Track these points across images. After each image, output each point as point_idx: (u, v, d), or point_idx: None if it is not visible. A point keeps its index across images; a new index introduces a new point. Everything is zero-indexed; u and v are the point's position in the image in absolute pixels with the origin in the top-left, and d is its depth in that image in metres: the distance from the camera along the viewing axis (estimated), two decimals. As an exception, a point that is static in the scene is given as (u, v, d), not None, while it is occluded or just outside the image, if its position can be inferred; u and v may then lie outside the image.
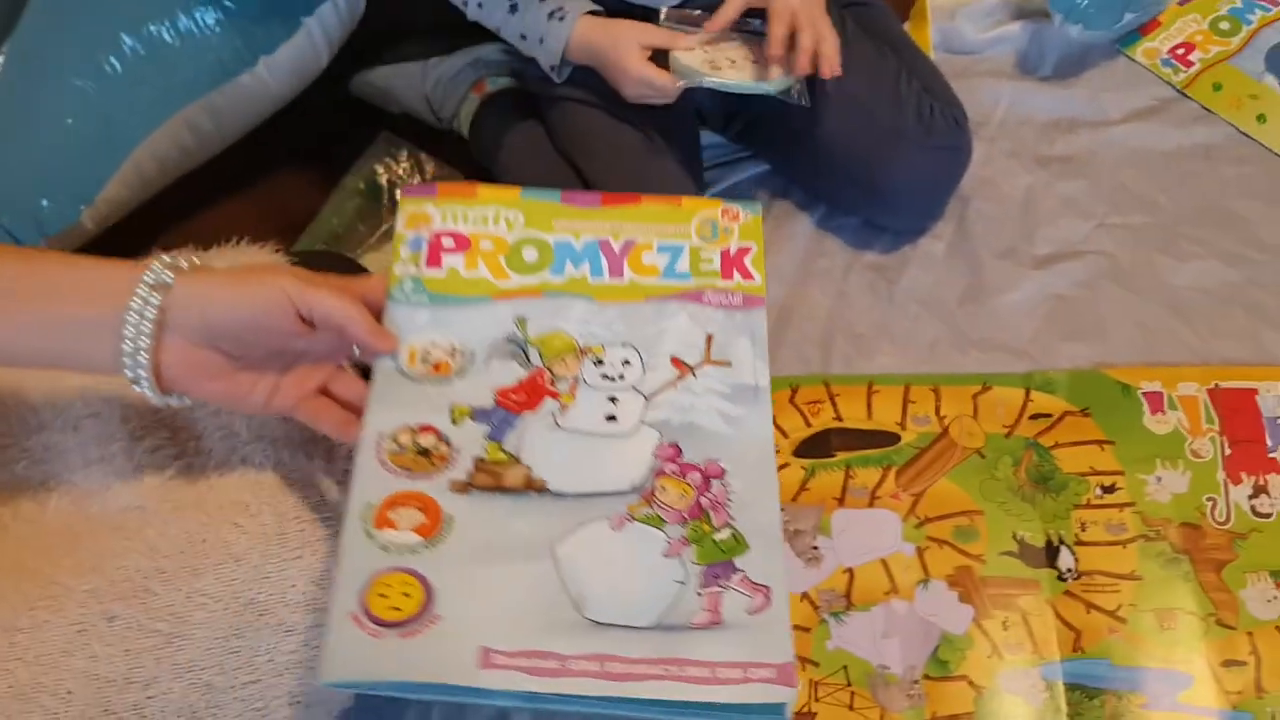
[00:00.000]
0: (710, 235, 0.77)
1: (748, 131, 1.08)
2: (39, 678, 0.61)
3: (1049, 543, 0.85)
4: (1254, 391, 0.89)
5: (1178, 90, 1.09)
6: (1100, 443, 0.89)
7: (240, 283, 0.60)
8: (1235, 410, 0.89)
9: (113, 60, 0.98)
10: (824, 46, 0.90)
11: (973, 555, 0.85)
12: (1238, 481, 0.86)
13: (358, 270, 0.98)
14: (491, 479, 0.65)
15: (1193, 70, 1.10)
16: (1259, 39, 1.11)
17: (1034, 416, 0.91)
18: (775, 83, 0.93)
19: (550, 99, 1.04)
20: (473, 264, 0.73)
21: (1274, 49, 1.10)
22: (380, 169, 1.12)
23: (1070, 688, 0.78)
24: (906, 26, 1.16)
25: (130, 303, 0.56)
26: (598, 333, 0.71)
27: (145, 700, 0.63)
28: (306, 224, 1.12)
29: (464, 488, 0.64)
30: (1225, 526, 0.84)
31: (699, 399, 0.70)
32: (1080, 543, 0.84)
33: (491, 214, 0.75)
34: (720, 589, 0.62)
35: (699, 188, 1.05)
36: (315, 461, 0.72)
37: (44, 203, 0.97)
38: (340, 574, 0.59)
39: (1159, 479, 0.86)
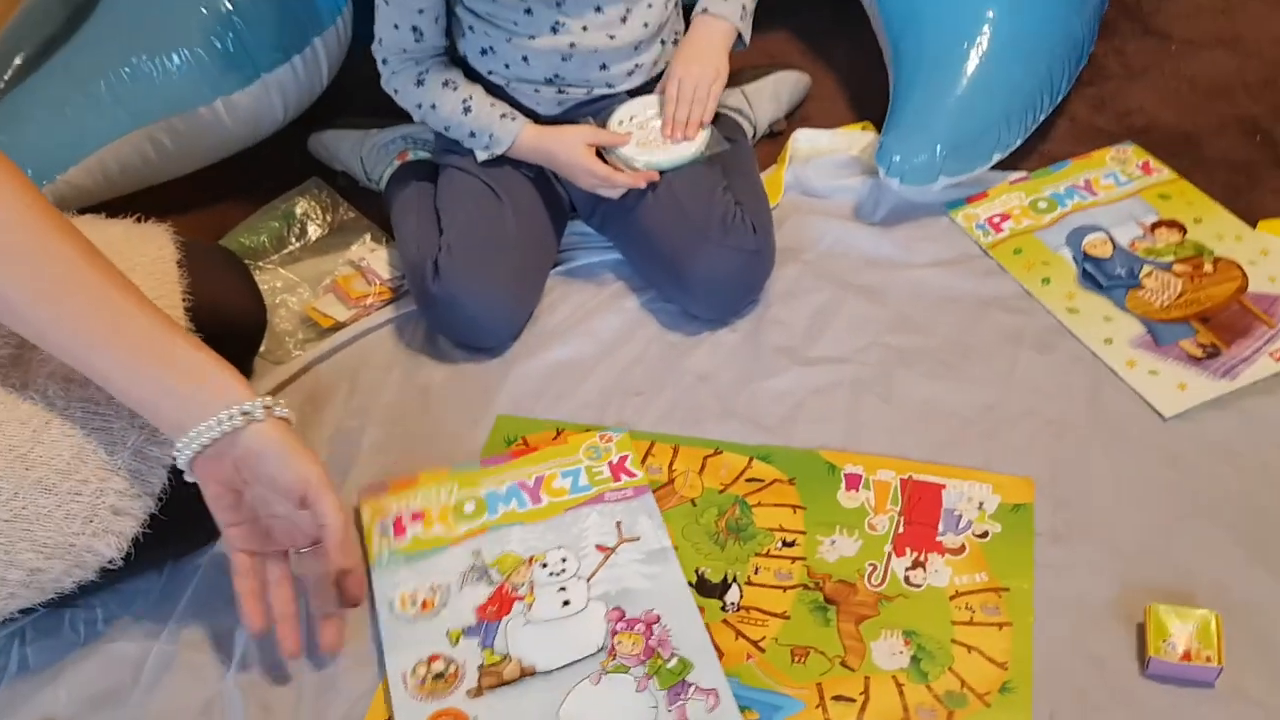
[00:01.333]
0: (596, 455, 1.06)
1: (604, 222, 1.26)
2: None
3: (724, 579, 0.96)
4: (942, 486, 1.00)
5: (982, 249, 1.23)
6: (795, 507, 1.00)
7: (293, 451, 0.83)
8: (920, 498, 0.99)
9: (101, 82, 1.24)
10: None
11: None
12: (901, 554, 0.96)
13: (238, 263, 1.19)
14: (495, 678, 0.89)
15: (1001, 235, 1.24)
16: (1068, 220, 1.25)
17: (749, 479, 1.03)
18: (695, 151, 1.18)
19: (443, 165, 1.25)
20: (429, 526, 1.00)
21: (1076, 230, 1.24)
22: (301, 203, 1.35)
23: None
24: (773, 167, 1.35)
25: (220, 414, 0.80)
26: (536, 545, 0.98)
27: None
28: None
29: (478, 692, 0.89)
30: (878, 589, 0.93)
31: (625, 569, 0.96)
32: (750, 583, 0.95)
33: (433, 491, 1.03)
34: (684, 702, 0.86)
35: (541, 260, 1.23)
36: None
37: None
38: None
39: (833, 542, 0.97)
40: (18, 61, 1.33)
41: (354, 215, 1.35)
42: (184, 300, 1.00)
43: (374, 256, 1.26)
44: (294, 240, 1.32)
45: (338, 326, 1.21)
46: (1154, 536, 0.96)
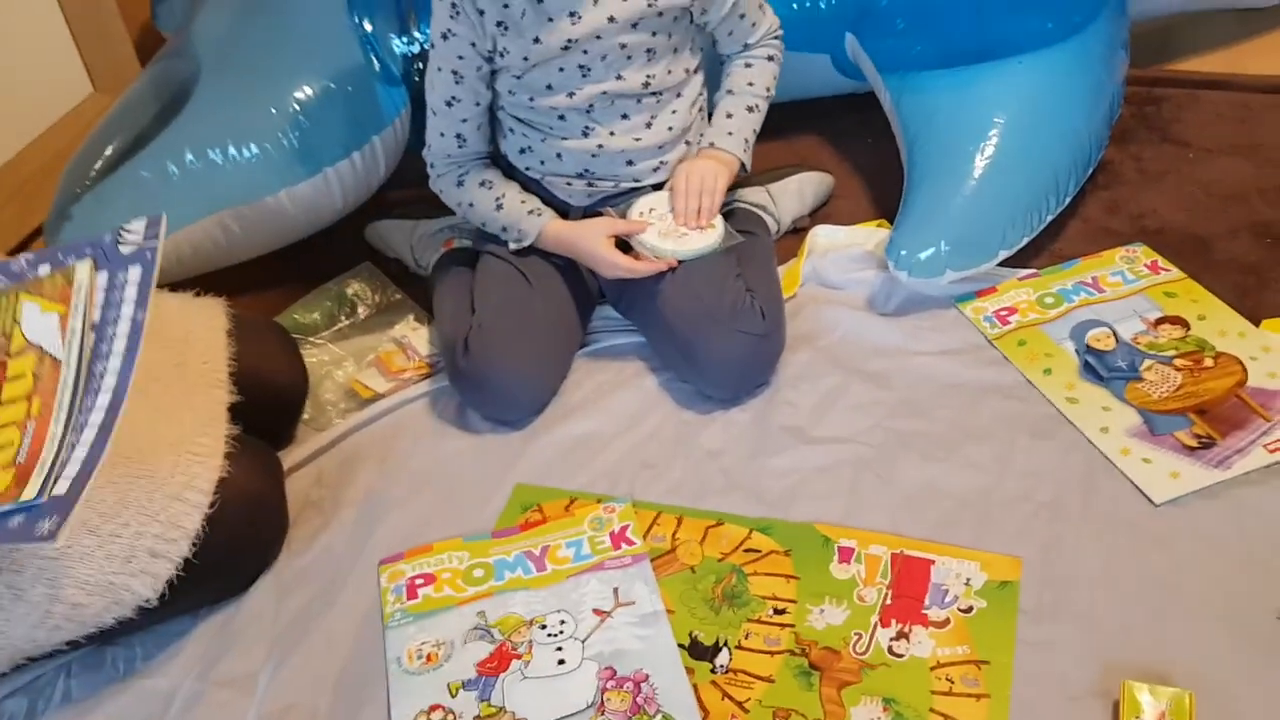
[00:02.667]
0: (599, 526, 1.13)
1: (628, 307, 1.35)
2: None
3: (715, 643, 1.00)
4: (931, 561, 1.04)
5: (988, 340, 1.28)
6: (789, 577, 1.05)
7: None
8: (909, 572, 1.03)
9: (181, 171, 1.37)
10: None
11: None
12: (887, 625, 0.99)
13: (285, 337, 1.29)
14: None
15: (1008, 328, 1.29)
16: (1073, 315, 1.30)
17: (748, 550, 1.08)
18: (711, 242, 1.25)
19: (482, 253, 1.35)
20: (439, 589, 1.09)
21: (1080, 324, 1.28)
22: (353, 284, 1.46)
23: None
24: (793, 259, 1.42)
25: None
26: (538, 608, 1.05)
27: None
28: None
29: None
30: (862, 656, 0.97)
31: (619, 631, 1.03)
32: (740, 647, 1.00)
33: (445, 557, 1.12)
34: None
35: (566, 341, 1.32)
36: None
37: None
38: None
39: (822, 611, 1.02)
40: (108, 152, 1.47)
41: (400, 297, 1.45)
42: (229, 365, 1.10)
43: (415, 335, 1.36)
44: (344, 318, 1.43)
45: (377, 398, 1.30)
46: (1136, 618, 0.98)
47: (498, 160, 1.36)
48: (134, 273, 0.93)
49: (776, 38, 1.37)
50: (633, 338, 1.35)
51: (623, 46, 1.21)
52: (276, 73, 1.44)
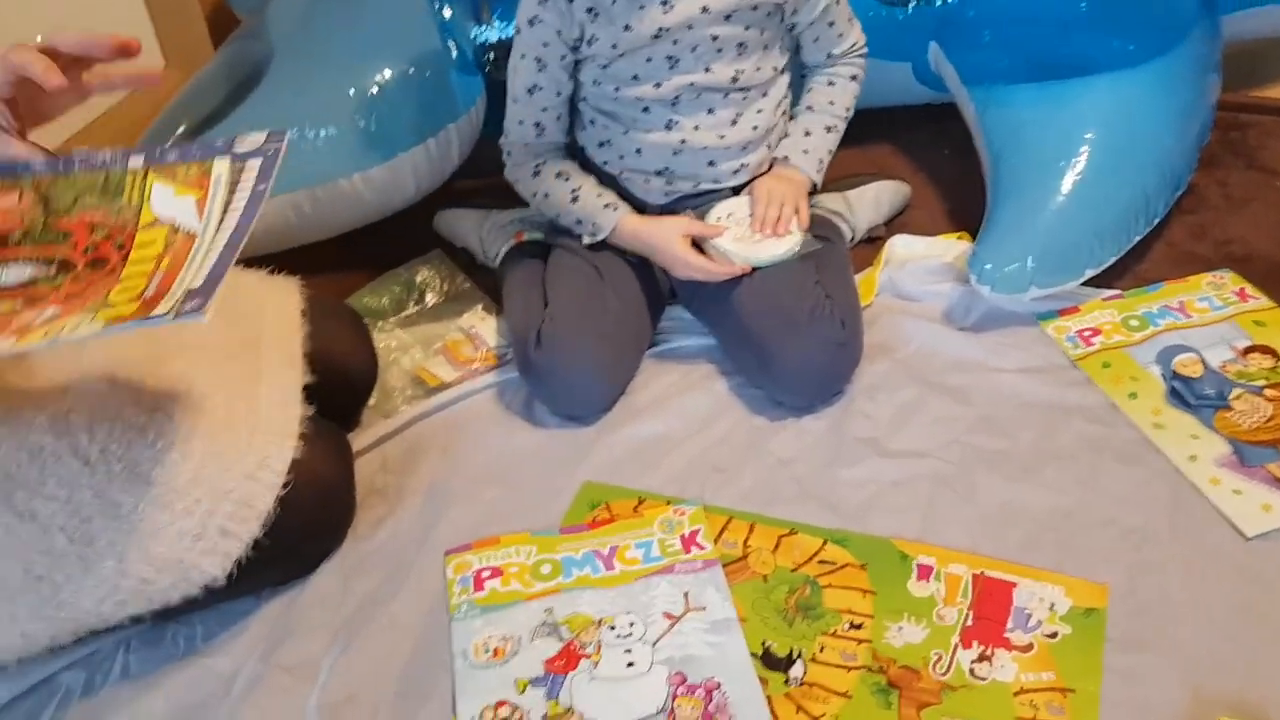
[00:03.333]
0: (669, 528, 1.10)
1: (700, 308, 1.33)
2: None
3: (789, 654, 0.98)
4: (1014, 584, 1.01)
5: (1070, 361, 1.25)
6: (865, 591, 1.02)
7: None
8: (990, 594, 1.00)
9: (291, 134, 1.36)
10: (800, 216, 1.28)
11: (725, 650, 1.00)
12: (968, 646, 0.96)
13: (357, 320, 1.28)
14: None
15: (1091, 349, 1.26)
16: (1159, 339, 1.26)
17: (821, 561, 1.06)
18: (788, 249, 1.23)
19: (554, 246, 1.33)
20: (506, 583, 1.07)
21: (1167, 349, 1.24)
22: (422, 271, 1.45)
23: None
24: (869, 268, 1.40)
25: None
26: (606, 608, 1.03)
27: None
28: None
29: None
30: (943, 677, 0.94)
31: (689, 637, 1.00)
32: (815, 660, 0.97)
33: (513, 551, 1.10)
34: None
35: (637, 339, 1.30)
36: None
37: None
38: None
39: (900, 628, 0.99)
40: (180, 130, 1.47)
41: (469, 286, 1.44)
42: (303, 345, 1.09)
43: (483, 325, 1.35)
44: (412, 305, 1.41)
45: (443, 386, 1.28)
46: (1228, 651, 0.94)
47: (574, 153, 1.34)
48: (254, 162, 0.91)
49: (861, 55, 1.35)
50: (702, 340, 1.33)
51: (714, 38, 1.19)
52: (355, 57, 1.44)
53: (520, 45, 1.24)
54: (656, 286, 1.33)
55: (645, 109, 1.24)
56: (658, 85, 1.21)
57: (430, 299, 1.43)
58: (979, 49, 1.48)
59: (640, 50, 1.20)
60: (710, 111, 1.24)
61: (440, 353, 1.32)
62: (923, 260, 1.38)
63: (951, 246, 1.40)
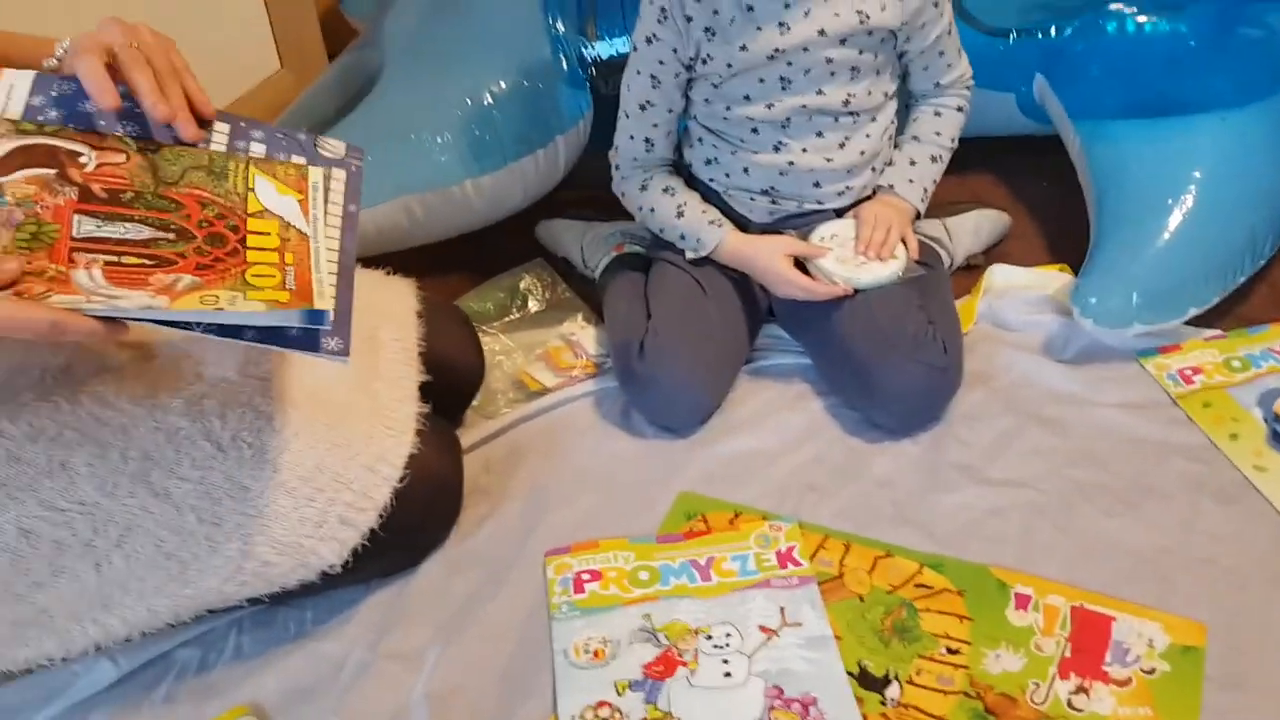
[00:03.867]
0: (765, 544, 1.12)
1: (799, 327, 1.34)
2: None
3: (885, 675, 0.99)
4: (1112, 619, 1.01)
5: (1171, 399, 1.25)
6: (962, 617, 1.03)
7: None
8: (1089, 626, 1.01)
9: (374, 153, 1.40)
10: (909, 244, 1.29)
11: (822, 668, 1.01)
12: (1066, 677, 0.97)
13: (467, 323, 1.31)
14: None
15: (1192, 388, 1.25)
16: (1261, 381, 1.25)
17: (918, 585, 1.07)
18: (891, 273, 1.24)
19: (656, 259, 1.36)
20: (605, 586, 1.10)
21: (1269, 391, 1.24)
22: (525, 278, 1.49)
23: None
24: (967, 296, 1.40)
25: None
26: (703, 618, 1.05)
27: None
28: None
29: None
30: (1041, 707, 0.95)
31: (785, 652, 1.02)
32: (911, 682, 0.98)
33: (611, 556, 1.13)
34: None
35: (736, 354, 1.32)
36: None
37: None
38: None
39: (998, 656, 0.99)
40: (299, 134, 1.52)
41: (570, 295, 1.47)
42: (419, 345, 1.12)
43: (584, 333, 1.37)
44: (515, 311, 1.45)
45: (544, 391, 1.31)
46: (1332, 700, 0.94)
47: (680, 169, 1.37)
48: (338, 173, 0.94)
49: (968, 87, 1.36)
50: (797, 359, 1.35)
51: (828, 61, 1.21)
52: (469, 66, 1.47)
53: (636, 62, 1.27)
54: (756, 303, 1.35)
55: (754, 129, 1.26)
56: (769, 106, 1.24)
57: (532, 306, 1.46)
58: (1086, 83, 1.48)
59: (754, 70, 1.22)
60: (819, 134, 1.26)
61: (541, 358, 1.35)
62: (1023, 291, 1.38)
63: (1053, 279, 1.40)
